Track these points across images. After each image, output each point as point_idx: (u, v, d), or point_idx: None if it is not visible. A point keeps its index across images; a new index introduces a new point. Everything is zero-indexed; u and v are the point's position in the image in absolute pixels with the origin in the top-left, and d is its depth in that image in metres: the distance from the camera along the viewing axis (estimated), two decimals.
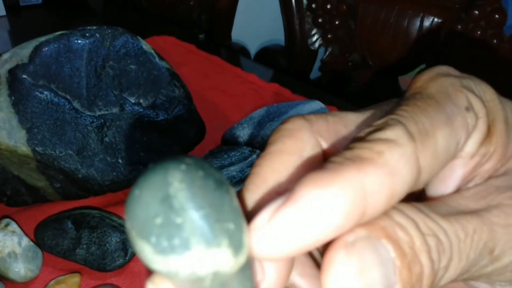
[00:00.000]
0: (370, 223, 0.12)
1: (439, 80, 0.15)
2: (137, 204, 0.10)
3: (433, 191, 0.15)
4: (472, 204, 0.14)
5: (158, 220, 0.10)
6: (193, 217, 0.10)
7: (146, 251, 0.10)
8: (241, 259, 0.11)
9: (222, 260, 0.11)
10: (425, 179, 0.13)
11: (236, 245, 0.11)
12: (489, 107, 0.15)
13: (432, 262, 0.12)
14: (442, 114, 0.14)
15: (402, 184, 0.13)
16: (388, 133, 0.13)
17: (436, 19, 0.71)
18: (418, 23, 0.72)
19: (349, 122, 0.16)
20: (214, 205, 0.11)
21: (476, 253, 0.13)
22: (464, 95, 0.14)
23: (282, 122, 0.16)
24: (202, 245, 0.10)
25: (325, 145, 0.16)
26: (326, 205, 0.11)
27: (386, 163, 0.12)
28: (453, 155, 0.14)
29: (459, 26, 0.69)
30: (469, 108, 0.14)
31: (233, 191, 0.11)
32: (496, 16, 0.66)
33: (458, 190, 0.15)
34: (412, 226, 0.12)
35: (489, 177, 0.15)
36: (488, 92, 0.15)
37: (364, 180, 0.12)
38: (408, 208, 0.13)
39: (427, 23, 0.71)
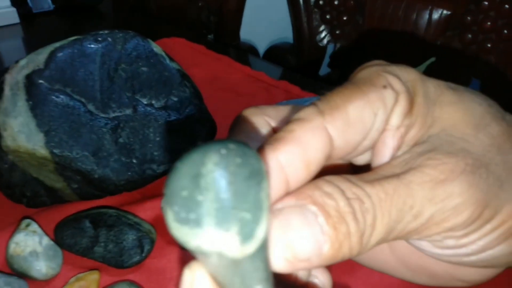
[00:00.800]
0: (299, 192, 0.14)
1: (365, 69, 0.17)
2: (173, 175, 0.11)
3: (374, 164, 0.18)
4: (398, 170, 0.16)
5: (184, 193, 0.11)
6: (212, 199, 0.11)
7: (169, 216, 0.11)
8: (249, 249, 0.11)
9: (228, 244, 0.11)
10: (342, 145, 0.16)
11: (246, 235, 0.11)
12: (410, 85, 0.17)
13: (357, 221, 0.14)
14: (356, 92, 0.16)
15: (315, 152, 0.15)
16: (300, 114, 0.16)
17: (445, 11, 0.70)
18: (426, 16, 0.71)
19: (298, 109, 0.18)
20: (239, 192, 0.11)
21: (398, 210, 0.15)
22: (382, 77, 0.17)
23: (242, 111, 0.19)
24: (212, 225, 0.11)
25: (273, 123, 0.19)
26: None
27: (295, 137, 0.15)
28: (371, 124, 0.16)
29: (469, 18, 0.68)
30: (386, 86, 0.16)
31: (266, 184, 0.12)
32: (506, 6, 0.65)
33: (389, 160, 0.17)
34: (338, 192, 0.14)
35: (414, 145, 0.17)
36: (411, 74, 0.17)
37: (278, 156, 0.14)
38: (337, 179, 0.15)
39: (436, 15, 0.71)
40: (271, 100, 0.65)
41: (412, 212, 0.15)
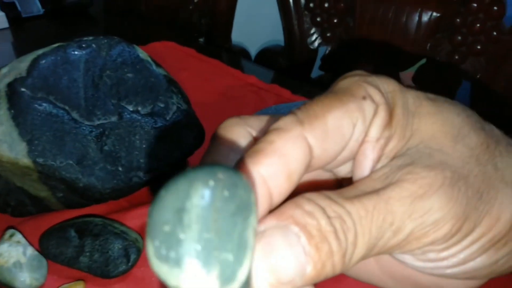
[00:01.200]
0: (280, 213, 0.14)
1: (345, 79, 0.17)
2: (156, 204, 0.11)
3: (355, 177, 0.18)
4: (378, 185, 0.16)
5: (166, 228, 0.11)
6: (194, 238, 0.10)
7: (149, 250, 0.11)
8: None
9: (207, 287, 0.11)
10: (321, 155, 0.16)
11: (227, 277, 0.11)
12: (390, 97, 0.17)
13: (338, 240, 0.14)
14: (335, 102, 0.16)
15: (296, 162, 0.15)
16: (279, 123, 0.15)
17: (434, 14, 0.70)
18: (416, 18, 0.71)
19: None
20: (222, 232, 0.11)
21: (378, 227, 0.15)
22: (362, 88, 0.17)
23: (223, 122, 0.19)
24: (192, 267, 0.11)
25: (254, 133, 0.19)
26: None
27: (275, 148, 0.15)
28: (350, 135, 0.16)
29: (458, 20, 0.69)
30: (365, 97, 0.16)
31: (253, 219, 0.11)
32: (495, 8, 0.65)
33: (369, 174, 0.17)
34: (319, 211, 0.14)
35: (394, 157, 0.17)
36: (390, 85, 0.17)
37: (260, 169, 0.14)
38: (316, 196, 0.14)
39: (425, 17, 0.71)
40: (261, 104, 0.65)
41: (392, 229, 0.15)
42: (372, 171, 0.17)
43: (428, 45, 0.73)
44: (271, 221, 0.14)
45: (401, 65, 0.81)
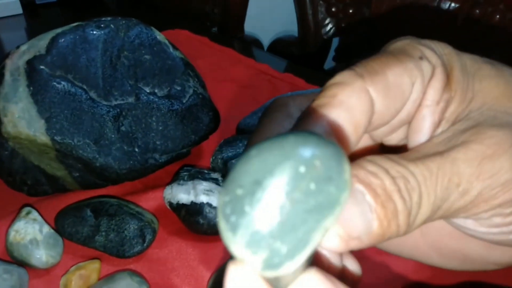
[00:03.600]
0: None
1: (398, 41, 0.17)
2: (242, 162, 0.10)
3: (412, 142, 0.17)
4: (441, 148, 0.15)
5: (239, 191, 0.10)
6: (256, 217, 0.10)
7: (219, 203, 0.11)
8: (268, 274, 0.11)
9: (250, 262, 0.11)
10: (383, 111, 0.15)
11: (272, 265, 0.10)
12: (446, 59, 0.17)
13: (403, 199, 0.14)
14: (394, 60, 0.16)
15: (361, 114, 0.15)
16: (337, 78, 0.15)
17: (453, 4, 0.69)
18: (434, 8, 0.70)
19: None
20: (287, 223, 0.10)
21: (443, 188, 0.14)
22: (418, 49, 0.16)
23: (273, 101, 0.19)
24: (242, 242, 0.10)
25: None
26: None
27: (340, 102, 0.15)
28: (409, 93, 0.16)
29: (477, 11, 0.67)
30: (422, 57, 0.16)
31: (330, 221, 0.10)
32: None
33: (430, 139, 0.16)
34: (382, 171, 0.14)
35: (455, 121, 0.16)
36: (445, 48, 0.17)
37: (328, 121, 0.14)
38: (379, 159, 0.14)
39: (443, 7, 0.70)
40: (275, 93, 0.65)
41: (458, 190, 0.15)
42: (433, 136, 0.16)
43: (446, 36, 0.71)
44: None
45: None
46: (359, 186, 0.13)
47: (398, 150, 0.17)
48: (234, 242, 0.10)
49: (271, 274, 0.11)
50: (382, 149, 0.19)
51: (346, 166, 0.10)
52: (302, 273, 0.12)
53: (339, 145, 0.11)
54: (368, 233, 0.13)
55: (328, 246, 0.13)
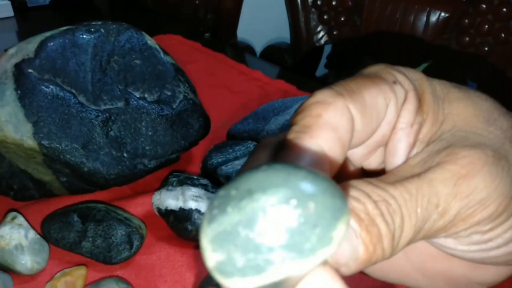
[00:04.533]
0: None
1: (373, 67, 0.18)
2: (249, 172, 0.10)
3: (389, 165, 0.18)
4: (417, 170, 0.16)
5: (232, 192, 0.10)
6: (229, 220, 0.10)
7: (216, 195, 0.11)
8: (217, 278, 0.10)
9: (206, 258, 0.10)
10: (361, 129, 0.16)
11: (221, 270, 0.10)
12: (417, 84, 0.17)
13: (386, 223, 0.14)
14: (369, 81, 0.16)
15: (346, 132, 0.15)
16: (318, 97, 0.15)
17: (442, 14, 0.70)
18: (424, 18, 0.71)
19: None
20: (255, 241, 0.10)
21: (423, 209, 0.15)
22: (391, 74, 0.17)
23: (259, 142, 0.19)
24: (210, 233, 0.10)
25: None
26: None
27: (326, 122, 0.15)
28: (384, 114, 0.17)
29: (466, 21, 0.68)
30: (396, 81, 0.17)
31: (296, 266, 0.10)
32: (504, 9, 0.65)
33: (405, 161, 0.17)
34: (364, 196, 0.14)
35: (429, 142, 0.17)
36: (416, 74, 0.18)
37: (319, 143, 0.14)
38: (360, 183, 0.15)
39: (433, 17, 0.71)
40: (266, 98, 0.65)
41: (438, 210, 0.15)
42: (409, 158, 0.17)
43: (435, 45, 0.72)
44: None
45: (407, 65, 0.80)
46: None
47: (378, 174, 0.17)
48: (204, 232, 0.10)
49: (220, 279, 0.10)
50: (363, 174, 0.20)
51: (340, 224, 0.10)
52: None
53: (342, 194, 0.11)
54: (355, 259, 0.13)
55: (316, 276, 0.13)
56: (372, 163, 0.19)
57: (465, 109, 0.17)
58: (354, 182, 0.14)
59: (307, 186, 0.10)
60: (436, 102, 0.17)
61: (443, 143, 0.16)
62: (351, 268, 0.14)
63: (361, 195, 0.14)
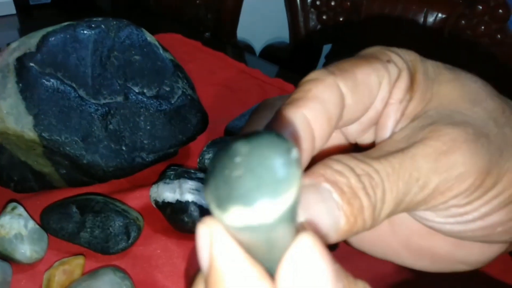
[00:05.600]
0: (311, 173, 0.15)
1: (370, 48, 0.19)
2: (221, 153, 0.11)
3: (378, 139, 0.18)
4: (402, 144, 0.16)
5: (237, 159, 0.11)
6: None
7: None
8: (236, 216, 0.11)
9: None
10: (352, 105, 0.17)
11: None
12: (411, 64, 0.18)
13: (368, 196, 0.15)
14: (363, 61, 0.17)
15: (333, 107, 0.16)
16: (311, 75, 0.17)
17: (440, 15, 0.71)
18: (422, 18, 0.72)
19: None
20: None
21: (404, 183, 0.15)
22: (386, 54, 0.18)
23: (263, 101, 0.20)
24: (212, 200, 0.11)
25: None
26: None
27: (314, 95, 0.16)
28: (377, 91, 0.17)
29: (463, 21, 0.69)
30: (389, 60, 0.18)
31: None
32: (500, 11, 0.66)
33: (391, 135, 0.18)
34: (347, 170, 0.15)
35: (414, 118, 0.18)
36: (411, 55, 0.19)
37: (304, 112, 0.15)
38: (344, 157, 0.15)
39: (430, 18, 0.72)
40: (265, 97, 0.65)
41: (418, 184, 0.15)
42: (394, 133, 0.18)
43: (432, 46, 0.73)
44: (304, 180, 0.14)
45: None
46: (326, 185, 0.14)
47: (368, 148, 0.18)
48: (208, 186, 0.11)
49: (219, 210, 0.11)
50: (357, 149, 0.20)
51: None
52: (294, 239, 0.12)
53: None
54: (336, 230, 0.14)
55: (298, 244, 0.13)
56: (366, 139, 0.20)
57: (452, 90, 0.18)
58: (339, 157, 0.15)
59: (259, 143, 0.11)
60: (426, 82, 0.18)
61: (428, 120, 0.17)
62: (332, 237, 0.14)
63: (345, 169, 0.15)
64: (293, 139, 0.15)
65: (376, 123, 0.19)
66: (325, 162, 0.15)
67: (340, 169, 0.15)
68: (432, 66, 0.19)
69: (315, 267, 0.11)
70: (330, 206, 0.14)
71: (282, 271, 0.11)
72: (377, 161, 0.15)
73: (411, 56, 0.18)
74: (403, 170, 0.15)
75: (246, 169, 0.11)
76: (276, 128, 0.15)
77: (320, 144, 0.16)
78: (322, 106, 0.16)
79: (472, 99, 0.18)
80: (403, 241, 0.20)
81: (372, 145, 0.20)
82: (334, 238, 0.14)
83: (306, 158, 0.16)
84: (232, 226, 0.11)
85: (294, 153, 0.11)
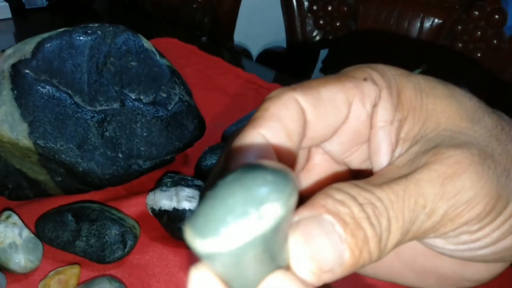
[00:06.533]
0: (311, 204, 0.14)
1: (351, 67, 0.18)
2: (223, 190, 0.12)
3: (375, 165, 0.18)
4: (404, 171, 0.16)
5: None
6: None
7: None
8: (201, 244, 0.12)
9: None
10: (314, 121, 0.16)
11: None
12: (397, 80, 0.17)
13: (372, 226, 0.14)
14: (332, 79, 0.17)
15: (292, 123, 0.16)
16: (272, 93, 0.16)
17: (436, 20, 0.71)
18: (418, 24, 0.72)
19: None
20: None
21: (410, 210, 0.15)
22: (365, 71, 0.17)
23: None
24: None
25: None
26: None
27: (271, 113, 0.16)
28: (346, 110, 0.17)
29: (459, 27, 0.69)
30: (366, 79, 0.17)
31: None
32: (496, 16, 0.66)
33: (390, 162, 0.17)
34: (349, 199, 0.14)
35: (413, 140, 0.17)
36: (393, 70, 0.18)
37: (261, 131, 0.15)
38: (345, 186, 0.15)
39: (427, 24, 0.72)
40: (261, 102, 0.65)
41: (425, 211, 0.15)
42: (395, 159, 0.17)
43: (429, 51, 0.73)
44: (304, 212, 0.14)
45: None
46: (328, 217, 0.13)
47: (368, 175, 0.17)
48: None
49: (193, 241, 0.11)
50: (352, 176, 0.20)
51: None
52: (269, 275, 0.12)
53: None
54: (341, 264, 0.13)
55: (302, 279, 0.13)
56: (355, 161, 0.19)
57: (449, 107, 0.17)
58: (339, 185, 0.14)
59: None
60: (418, 99, 0.17)
61: (429, 143, 0.16)
62: (336, 273, 0.13)
63: (346, 198, 0.14)
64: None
65: (360, 143, 0.18)
66: (325, 192, 0.14)
67: (342, 199, 0.14)
68: (423, 80, 0.18)
69: None
70: (333, 240, 0.13)
71: None
72: (380, 189, 0.14)
73: (394, 71, 0.18)
74: (408, 197, 0.14)
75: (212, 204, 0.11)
76: (235, 152, 0.15)
77: (291, 161, 0.16)
78: (279, 123, 0.15)
79: (471, 117, 0.17)
80: (407, 263, 0.19)
81: (366, 170, 0.19)
82: (339, 273, 0.13)
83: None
84: (200, 253, 0.11)
85: (262, 190, 0.11)
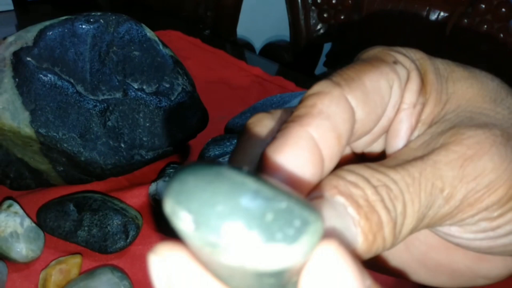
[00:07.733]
0: (323, 185, 0.13)
1: (370, 50, 0.17)
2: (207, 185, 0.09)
3: (390, 148, 0.17)
4: (419, 152, 0.15)
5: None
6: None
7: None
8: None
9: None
10: (364, 118, 0.15)
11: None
12: (419, 63, 0.17)
13: (387, 209, 0.13)
14: (368, 66, 0.15)
15: (343, 123, 0.14)
16: (314, 88, 0.15)
17: (442, 13, 0.70)
18: (424, 17, 0.71)
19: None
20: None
21: (427, 194, 0.14)
22: (390, 54, 0.16)
23: (252, 117, 0.18)
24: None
25: None
26: (292, 166, 0.13)
27: (320, 111, 0.14)
28: (388, 97, 0.16)
29: (465, 20, 0.68)
30: (396, 62, 0.16)
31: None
32: (503, 9, 0.65)
33: (407, 143, 0.16)
34: (362, 181, 0.13)
35: (431, 123, 0.16)
36: (417, 53, 0.17)
37: (309, 130, 0.13)
38: (358, 167, 0.14)
39: (433, 17, 0.71)
40: (265, 95, 0.65)
41: (443, 195, 0.14)
42: (410, 141, 0.16)
43: (435, 44, 0.73)
44: (315, 193, 0.13)
45: None
46: (340, 198, 0.12)
47: (377, 159, 0.16)
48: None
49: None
50: (361, 159, 0.18)
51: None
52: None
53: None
54: (353, 250, 0.12)
55: (321, 255, 0.12)
56: (374, 148, 0.18)
57: (470, 89, 0.16)
58: (351, 167, 0.14)
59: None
60: (439, 82, 0.16)
61: (447, 124, 0.15)
62: None
63: (359, 180, 0.13)
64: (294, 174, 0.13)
65: (386, 131, 0.17)
66: (337, 173, 0.13)
67: (354, 180, 0.13)
68: (442, 64, 0.17)
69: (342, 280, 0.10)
70: (346, 223, 0.12)
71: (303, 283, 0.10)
72: (394, 170, 0.13)
73: (418, 54, 0.17)
74: (424, 180, 0.13)
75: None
76: (278, 151, 0.13)
77: (329, 166, 0.14)
78: (329, 122, 0.14)
79: (493, 98, 0.16)
80: (419, 258, 0.18)
81: (380, 155, 0.18)
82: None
83: (313, 181, 0.13)
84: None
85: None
